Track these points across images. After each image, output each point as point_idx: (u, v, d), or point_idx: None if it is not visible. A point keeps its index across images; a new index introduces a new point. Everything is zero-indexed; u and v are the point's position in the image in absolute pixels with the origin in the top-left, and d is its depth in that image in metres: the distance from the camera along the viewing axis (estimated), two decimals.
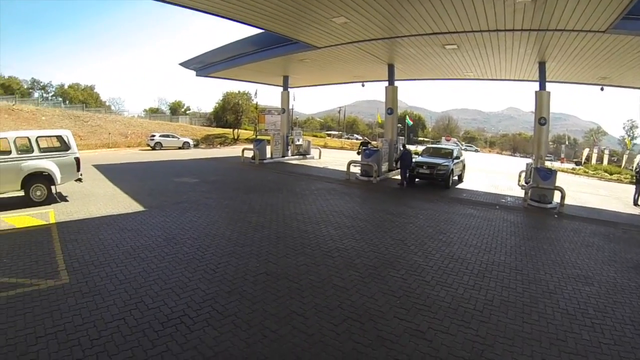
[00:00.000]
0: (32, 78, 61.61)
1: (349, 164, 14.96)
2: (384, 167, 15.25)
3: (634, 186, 24.38)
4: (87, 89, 61.99)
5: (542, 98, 13.42)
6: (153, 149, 30.03)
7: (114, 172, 14.70)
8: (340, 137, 62.26)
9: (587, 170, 33.23)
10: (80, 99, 54.11)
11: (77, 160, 9.08)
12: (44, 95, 58.39)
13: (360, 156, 17.37)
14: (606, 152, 40.57)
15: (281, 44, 15.13)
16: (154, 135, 31.39)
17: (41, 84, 60.52)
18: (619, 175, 30.31)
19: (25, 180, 8.25)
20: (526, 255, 6.46)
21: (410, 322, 3.99)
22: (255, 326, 3.76)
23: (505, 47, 12.32)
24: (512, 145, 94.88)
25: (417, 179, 14.14)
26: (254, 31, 14.56)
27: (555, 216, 10.33)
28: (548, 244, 7.34)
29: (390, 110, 16.86)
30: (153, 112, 57.80)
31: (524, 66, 14.88)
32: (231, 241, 6.22)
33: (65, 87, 60.38)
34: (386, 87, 17.14)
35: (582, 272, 5.77)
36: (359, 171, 15.01)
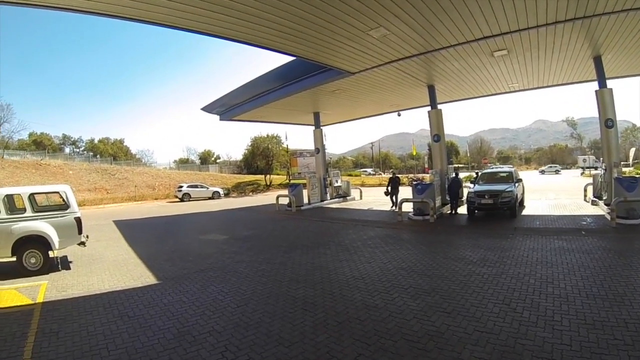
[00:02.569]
0: (63, 134, 62.98)
1: (400, 204, 12.68)
2: (438, 201, 12.83)
3: None
4: (116, 142, 63.75)
5: (603, 97, 11.42)
6: (181, 200, 29.37)
7: (133, 229, 13.57)
8: (375, 173, 60.53)
9: (639, 170, 30.58)
10: (110, 152, 55.41)
11: (79, 220, 7.56)
12: (75, 150, 59.95)
13: (388, 196, 15.47)
14: None
15: (311, 73, 13.81)
16: (181, 186, 30.97)
17: (72, 139, 62.04)
18: None
19: (17, 245, 6.83)
20: None
21: None
22: None
23: (561, 44, 10.60)
24: (550, 158, 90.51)
25: (477, 211, 11.88)
26: (280, 63, 13.71)
27: None
28: None
29: (437, 136, 14.64)
30: (183, 163, 58.55)
31: (577, 64, 12.86)
32: (272, 335, 4.10)
33: (95, 141, 62.15)
34: (429, 112, 15.19)
35: None
36: (411, 210, 12.79)
